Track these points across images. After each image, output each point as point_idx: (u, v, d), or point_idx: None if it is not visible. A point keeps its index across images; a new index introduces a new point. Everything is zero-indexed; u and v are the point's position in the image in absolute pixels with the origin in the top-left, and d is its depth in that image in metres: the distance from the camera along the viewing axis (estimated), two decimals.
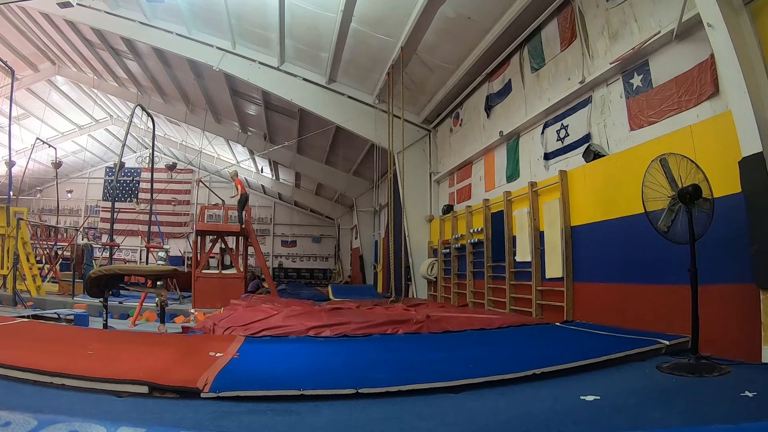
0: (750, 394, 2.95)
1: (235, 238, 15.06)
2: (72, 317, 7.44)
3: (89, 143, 27.93)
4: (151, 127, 15.19)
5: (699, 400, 3.03)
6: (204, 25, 13.25)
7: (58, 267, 17.15)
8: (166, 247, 14.64)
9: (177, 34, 13.58)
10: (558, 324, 6.40)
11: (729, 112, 4.52)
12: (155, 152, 17.56)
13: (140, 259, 27.13)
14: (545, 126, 8.46)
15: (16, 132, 16.58)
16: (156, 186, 18.89)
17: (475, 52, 9.96)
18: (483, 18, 9.01)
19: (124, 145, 15.59)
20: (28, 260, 13.62)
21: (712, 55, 4.97)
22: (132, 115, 13.54)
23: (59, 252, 18.62)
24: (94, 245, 20.70)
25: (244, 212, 13.51)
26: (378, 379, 3.40)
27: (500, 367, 3.72)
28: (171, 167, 25.63)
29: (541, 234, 8.12)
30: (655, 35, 5.82)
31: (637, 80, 6.31)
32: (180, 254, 26.33)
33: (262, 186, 30.66)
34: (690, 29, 5.39)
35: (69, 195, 29.82)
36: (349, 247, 28.29)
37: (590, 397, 3.08)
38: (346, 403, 3.05)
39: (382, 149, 13.52)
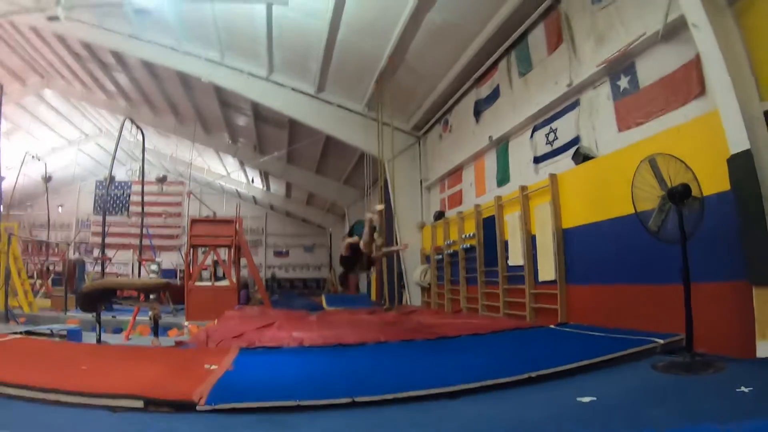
0: (746, 390, 2.97)
1: (227, 249, 14.98)
2: (65, 333, 7.36)
3: (79, 157, 27.73)
4: (141, 139, 15.15)
5: (695, 398, 3.05)
6: (192, 37, 13.20)
7: (49, 282, 16.99)
8: (158, 260, 14.57)
9: (165, 46, 13.52)
10: (552, 326, 6.42)
11: (716, 111, 4.55)
12: (145, 165, 17.50)
13: (132, 272, 26.91)
14: (534, 130, 8.50)
15: (5, 146, 16.44)
16: (147, 199, 18.73)
17: (463, 58, 9.98)
18: (470, 23, 9.05)
19: (113, 159, 15.47)
20: (19, 276, 13.48)
21: (697, 56, 5.01)
22: (122, 128, 13.51)
23: (50, 267, 18.44)
24: (86, 259, 20.52)
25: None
26: (373, 387, 3.39)
27: (496, 371, 3.72)
28: (162, 180, 25.50)
29: (533, 237, 8.13)
30: (640, 37, 5.87)
31: (624, 82, 6.36)
32: (172, 267, 26.14)
33: (253, 197, 30.56)
34: (675, 30, 5.42)
35: (60, 209, 29.58)
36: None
37: (586, 399, 3.09)
38: (342, 412, 3.04)
39: (372, 157, 13.52)
